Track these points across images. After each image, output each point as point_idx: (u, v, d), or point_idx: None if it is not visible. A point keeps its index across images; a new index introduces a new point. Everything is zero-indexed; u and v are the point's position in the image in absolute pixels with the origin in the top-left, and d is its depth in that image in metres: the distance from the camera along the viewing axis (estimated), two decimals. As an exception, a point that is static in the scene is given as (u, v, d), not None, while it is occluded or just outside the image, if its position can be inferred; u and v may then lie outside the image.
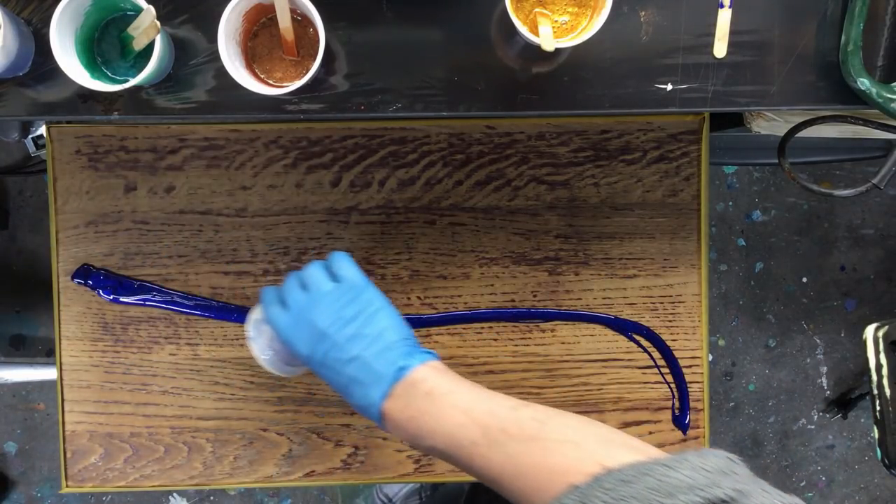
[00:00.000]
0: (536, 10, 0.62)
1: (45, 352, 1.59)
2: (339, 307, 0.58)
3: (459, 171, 0.82)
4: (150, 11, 0.58)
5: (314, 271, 0.61)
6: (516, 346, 0.83)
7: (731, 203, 1.63)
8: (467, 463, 0.53)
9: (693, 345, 0.83)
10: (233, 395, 0.83)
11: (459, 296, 0.82)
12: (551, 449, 0.49)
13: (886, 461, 0.80)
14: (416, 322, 0.82)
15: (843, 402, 1.61)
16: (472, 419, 0.53)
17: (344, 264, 0.61)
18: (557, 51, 0.60)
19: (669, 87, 0.65)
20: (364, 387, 0.56)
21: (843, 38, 0.63)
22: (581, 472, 0.46)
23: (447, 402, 0.54)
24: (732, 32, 0.64)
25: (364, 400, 0.57)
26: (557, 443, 0.50)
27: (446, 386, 0.55)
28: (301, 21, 0.64)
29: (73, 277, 0.81)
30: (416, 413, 0.54)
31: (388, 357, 0.57)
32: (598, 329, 0.83)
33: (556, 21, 0.63)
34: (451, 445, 0.53)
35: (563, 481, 0.47)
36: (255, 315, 0.69)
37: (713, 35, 0.64)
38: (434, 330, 0.82)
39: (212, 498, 1.59)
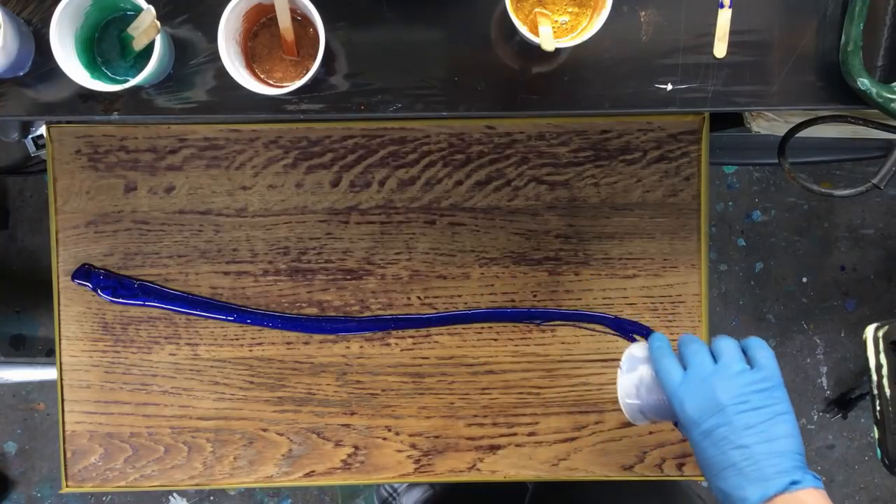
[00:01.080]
0: (536, 10, 0.62)
1: (45, 352, 1.59)
2: (748, 391, 0.57)
3: (459, 171, 0.82)
4: (150, 11, 0.58)
5: (732, 346, 0.60)
6: (516, 346, 0.83)
7: (731, 203, 1.63)
8: None
9: (693, 345, 0.83)
10: (233, 395, 0.83)
11: (459, 296, 0.82)
12: None
13: (886, 461, 0.79)
14: (416, 322, 0.82)
15: (843, 402, 1.61)
16: None
17: (765, 353, 0.59)
18: (557, 51, 0.60)
19: (669, 87, 0.65)
20: (744, 479, 0.55)
21: (843, 38, 0.63)
22: None
23: None
24: (732, 32, 0.64)
25: (738, 491, 0.55)
26: None
27: None
28: (301, 21, 0.64)
29: (73, 277, 0.81)
30: None
31: (781, 465, 0.55)
32: (598, 329, 0.83)
33: (556, 21, 0.63)
34: None
35: None
36: (636, 352, 0.67)
37: (713, 35, 0.64)
38: (434, 330, 0.82)
39: (212, 498, 1.59)
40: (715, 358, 0.60)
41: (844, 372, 1.64)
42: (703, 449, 0.57)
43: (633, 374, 0.66)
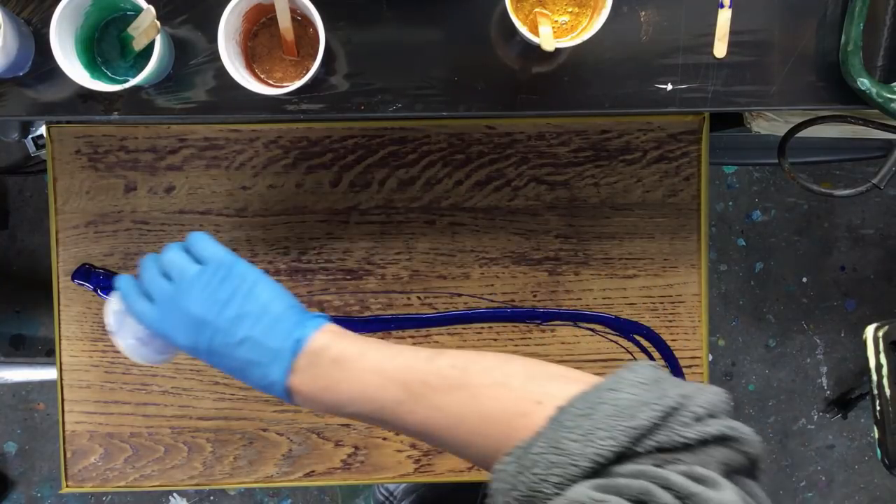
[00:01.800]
0: (536, 10, 0.62)
1: (45, 352, 1.59)
2: (211, 290, 0.54)
3: (459, 171, 0.82)
4: (150, 11, 0.58)
5: (174, 256, 0.56)
6: (516, 346, 0.83)
7: (731, 203, 1.63)
8: (399, 424, 0.50)
9: (693, 345, 0.83)
10: (233, 395, 0.83)
11: (459, 296, 0.82)
12: (481, 395, 0.47)
13: (886, 461, 0.79)
14: (416, 322, 0.82)
15: (843, 402, 1.61)
16: (389, 378, 0.50)
17: (205, 244, 0.56)
18: (557, 51, 0.60)
19: (669, 87, 0.65)
20: (262, 367, 0.52)
21: (843, 38, 0.63)
22: (519, 413, 0.45)
23: (358, 366, 0.51)
24: (732, 32, 0.64)
25: (265, 380, 0.52)
26: (485, 387, 0.48)
27: (353, 349, 0.52)
28: (301, 21, 0.64)
29: (73, 277, 0.81)
30: (329, 383, 0.51)
31: (280, 330, 0.52)
32: (598, 329, 0.83)
33: (556, 21, 0.63)
34: (376, 409, 0.51)
35: (503, 428, 0.45)
36: (113, 306, 0.61)
37: (713, 35, 0.64)
38: (434, 330, 0.82)
39: (212, 498, 1.59)
40: (168, 276, 0.56)
41: (844, 372, 1.64)
42: (219, 364, 0.54)
43: (125, 328, 0.61)
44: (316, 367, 0.52)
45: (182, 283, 0.55)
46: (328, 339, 0.52)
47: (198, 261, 0.56)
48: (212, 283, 0.54)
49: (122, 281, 0.58)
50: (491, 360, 0.51)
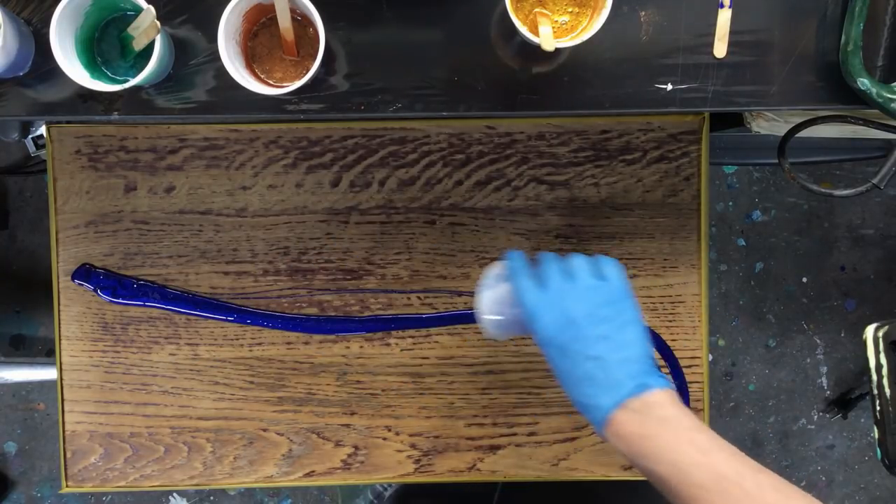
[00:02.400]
0: (536, 10, 0.62)
1: (45, 352, 1.59)
2: (597, 304, 0.58)
3: (459, 171, 0.82)
4: (150, 11, 0.58)
5: (582, 263, 0.61)
6: (516, 346, 0.83)
7: (731, 203, 1.63)
8: (686, 501, 0.53)
9: (693, 345, 0.83)
10: (233, 395, 0.83)
11: (459, 295, 0.82)
12: None
13: (886, 461, 0.79)
14: (416, 322, 0.82)
15: (843, 402, 1.61)
16: (708, 462, 0.52)
17: (613, 267, 0.61)
18: (557, 51, 0.60)
19: (669, 87, 0.65)
20: (598, 388, 0.56)
21: (843, 38, 0.63)
22: None
23: (685, 436, 0.54)
24: (732, 32, 0.64)
25: (593, 400, 0.56)
26: None
27: (686, 420, 0.55)
28: (301, 21, 0.64)
29: (73, 277, 0.81)
30: (649, 433, 0.54)
31: (630, 369, 0.56)
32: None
33: (556, 21, 0.63)
34: (675, 478, 0.53)
35: None
36: (495, 270, 0.67)
37: (713, 35, 0.64)
38: (434, 330, 0.82)
39: (212, 498, 1.59)
40: (569, 275, 0.60)
41: (844, 372, 1.64)
42: (559, 363, 0.58)
43: (492, 290, 0.66)
44: (644, 416, 0.55)
45: (578, 284, 0.59)
46: (666, 399, 0.56)
47: (599, 277, 0.60)
48: (600, 298, 0.59)
49: (516, 257, 0.63)
50: None
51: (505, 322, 0.66)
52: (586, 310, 0.58)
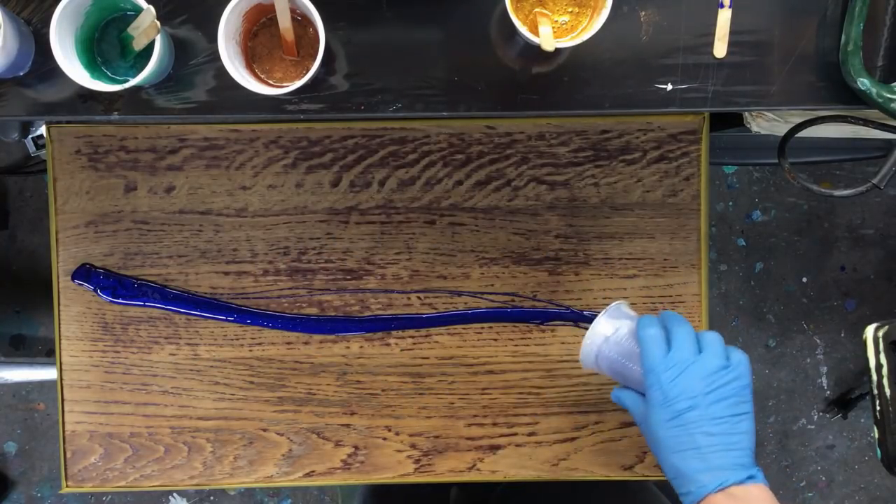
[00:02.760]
0: (536, 10, 0.62)
1: (45, 352, 1.59)
2: (723, 385, 0.60)
3: (459, 171, 0.82)
4: (150, 11, 0.58)
5: (717, 341, 0.63)
6: (516, 346, 0.83)
7: (731, 203, 1.63)
8: None
9: (693, 345, 0.83)
10: (233, 395, 0.83)
11: (459, 295, 0.82)
12: None
13: (886, 461, 0.79)
14: (416, 322, 0.82)
15: (843, 402, 1.61)
16: None
17: (741, 354, 0.63)
18: (557, 51, 0.60)
19: (669, 87, 0.65)
20: (705, 464, 0.59)
21: (843, 38, 0.63)
22: None
23: None
24: (732, 32, 0.64)
25: (696, 474, 0.59)
26: None
27: None
28: (301, 21, 0.64)
29: (73, 277, 0.81)
30: None
31: (739, 458, 0.59)
32: (598, 329, 0.82)
33: (556, 21, 0.63)
34: None
35: None
36: (623, 307, 0.70)
37: (713, 35, 0.64)
38: (434, 330, 0.82)
39: (212, 498, 1.59)
40: (701, 349, 0.63)
41: (844, 372, 1.64)
42: (668, 427, 0.60)
43: (613, 321, 0.68)
44: (742, 502, 0.57)
45: (708, 361, 0.61)
46: (766, 496, 0.58)
47: (726, 358, 0.62)
48: (727, 381, 0.61)
49: (651, 318, 0.65)
50: None
51: (605, 355, 0.68)
52: (710, 386, 0.60)
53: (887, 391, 0.79)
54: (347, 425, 0.83)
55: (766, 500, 0.58)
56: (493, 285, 0.82)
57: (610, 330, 0.68)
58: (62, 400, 0.83)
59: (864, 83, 0.62)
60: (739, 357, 0.62)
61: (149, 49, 0.60)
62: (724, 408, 0.60)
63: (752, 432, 0.61)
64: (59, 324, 0.83)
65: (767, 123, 0.88)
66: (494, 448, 0.83)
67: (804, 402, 1.64)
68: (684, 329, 0.63)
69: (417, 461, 0.83)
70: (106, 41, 0.64)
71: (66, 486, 0.84)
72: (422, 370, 0.83)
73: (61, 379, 0.83)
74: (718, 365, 0.61)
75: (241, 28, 0.62)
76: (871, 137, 0.94)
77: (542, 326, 0.82)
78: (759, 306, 1.63)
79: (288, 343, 0.83)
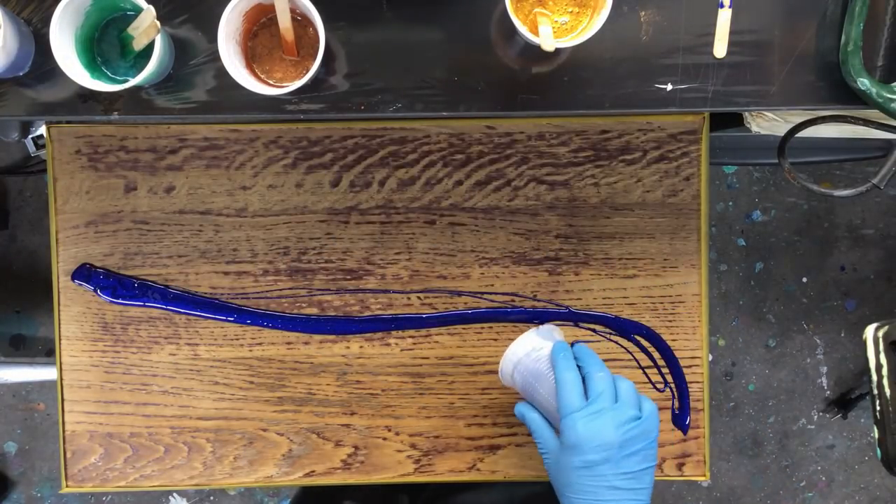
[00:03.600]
0: (536, 10, 0.62)
1: (45, 352, 1.59)
2: (634, 437, 0.62)
3: (459, 171, 0.82)
4: (150, 11, 0.58)
5: (631, 390, 0.64)
6: (516, 346, 0.83)
7: (731, 203, 1.63)
8: None
9: (693, 345, 0.83)
10: (233, 395, 0.83)
11: (459, 295, 0.82)
12: None
13: (886, 461, 0.79)
14: (416, 322, 0.82)
15: (843, 402, 1.61)
16: None
17: (650, 405, 0.64)
18: (557, 51, 0.60)
19: (669, 87, 0.65)
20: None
21: (843, 38, 0.63)
22: None
23: None
24: (732, 32, 0.64)
25: None
26: None
27: None
28: (301, 21, 0.64)
29: (73, 277, 0.81)
30: None
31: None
32: (598, 329, 0.82)
33: (556, 21, 0.63)
34: None
35: None
36: (555, 332, 0.72)
37: (713, 35, 0.64)
38: (434, 330, 0.82)
39: (212, 498, 1.59)
40: (617, 398, 0.64)
41: (844, 372, 1.64)
42: (578, 475, 0.62)
43: (540, 340, 0.70)
44: None
45: (623, 412, 0.62)
46: None
47: (639, 409, 0.64)
48: (636, 432, 0.62)
49: (564, 349, 0.67)
50: None
51: (521, 374, 0.70)
52: (623, 438, 0.62)
53: (887, 391, 0.79)
54: (347, 425, 0.83)
55: None
56: (493, 285, 0.82)
57: (535, 345, 0.70)
58: (62, 400, 0.83)
59: (864, 83, 0.62)
60: (650, 407, 0.64)
61: (149, 49, 0.60)
62: (634, 462, 0.62)
63: (652, 484, 0.63)
64: (59, 324, 0.83)
65: (767, 123, 0.88)
66: (494, 448, 0.83)
67: (804, 402, 1.64)
68: (602, 374, 0.64)
69: (417, 461, 0.83)
70: (106, 41, 0.64)
71: (66, 486, 0.84)
72: (422, 370, 0.83)
73: (61, 379, 0.83)
74: (632, 416, 0.63)
75: (241, 28, 0.62)
76: (871, 137, 0.94)
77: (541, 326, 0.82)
78: (759, 306, 1.63)
79: (288, 343, 0.83)
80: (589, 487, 0.61)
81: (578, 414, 0.62)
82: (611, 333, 0.83)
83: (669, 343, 0.83)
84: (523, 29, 0.58)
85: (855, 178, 1.60)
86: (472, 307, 0.82)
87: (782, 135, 0.73)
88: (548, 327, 0.73)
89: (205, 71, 0.65)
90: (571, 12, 0.63)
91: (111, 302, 0.82)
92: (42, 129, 0.88)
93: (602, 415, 0.62)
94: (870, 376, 0.80)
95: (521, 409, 0.69)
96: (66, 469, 0.83)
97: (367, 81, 0.65)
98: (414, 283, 0.82)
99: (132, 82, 0.59)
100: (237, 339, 0.83)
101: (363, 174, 0.82)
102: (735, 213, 1.63)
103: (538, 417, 0.68)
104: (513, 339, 0.82)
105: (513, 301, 0.82)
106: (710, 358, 1.61)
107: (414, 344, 0.83)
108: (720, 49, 0.64)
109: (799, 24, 0.64)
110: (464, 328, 0.83)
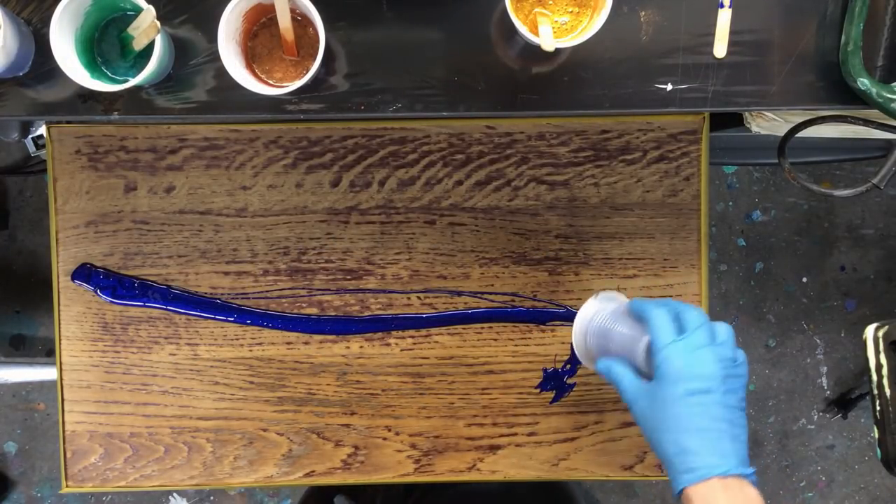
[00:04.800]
0: (536, 10, 0.62)
1: (45, 352, 1.59)
2: (733, 373, 0.61)
3: (459, 171, 0.82)
4: (150, 11, 0.58)
5: (731, 333, 0.63)
6: (516, 346, 0.83)
7: (731, 203, 1.63)
8: None
9: (693, 345, 0.83)
10: (233, 395, 0.83)
11: (459, 295, 0.82)
12: None
13: (886, 461, 0.79)
14: (416, 322, 0.82)
15: (843, 402, 1.61)
16: None
17: (745, 357, 0.63)
18: (557, 51, 0.60)
19: (669, 87, 0.65)
20: (714, 447, 0.58)
21: (843, 38, 0.63)
22: None
23: None
24: (732, 32, 0.64)
25: (705, 454, 0.58)
26: None
27: None
28: (301, 21, 0.64)
29: (73, 277, 0.81)
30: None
31: (743, 451, 0.59)
32: (598, 329, 0.83)
33: (556, 21, 0.63)
34: None
35: None
36: (615, 294, 0.72)
37: (713, 35, 0.64)
38: (434, 330, 0.82)
39: (212, 498, 1.59)
40: (716, 338, 0.62)
41: (844, 372, 1.64)
42: (682, 404, 0.59)
43: (601, 303, 0.70)
44: (736, 492, 0.57)
45: (724, 350, 0.61)
46: (760, 500, 0.58)
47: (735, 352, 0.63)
48: (738, 374, 0.61)
49: (654, 302, 0.64)
50: None
51: (604, 334, 0.68)
52: (724, 374, 0.60)
53: (887, 391, 0.79)
54: (347, 425, 0.83)
55: (756, 497, 0.58)
56: (493, 285, 0.82)
57: (598, 308, 0.69)
58: (62, 400, 0.83)
59: (864, 83, 0.62)
60: (744, 357, 0.63)
61: (149, 49, 0.60)
62: (735, 399, 0.60)
63: (746, 428, 0.61)
64: (59, 324, 0.83)
65: (767, 123, 0.88)
66: (494, 448, 0.83)
67: (804, 402, 1.64)
68: (701, 317, 0.62)
69: (417, 461, 0.83)
70: (106, 41, 0.64)
71: (66, 486, 0.84)
72: (422, 370, 0.83)
73: (61, 379, 0.83)
74: (731, 356, 0.61)
75: (241, 28, 0.62)
76: (871, 137, 0.94)
77: (542, 326, 0.82)
78: (759, 306, 1.63)
79: (288, 343, 0.83)
80: (695, 416, 0.59)
81: (678, 345, 0.60)
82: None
83: (669, 343, 0.82)
84: (523, 29, 0.58)
85: (855, 178, 1.60)
86: (472, 307, 0.82)
87: (782, 135, 0.73)
88: (608, 294, 0.71)
89: (205, 71, 0.65)
90: (571, 12, 0.63)
91: (111, 302, 0.82)
92: (42, 129, 0.88)
93: (702, 348, 0.60)
94: (870, 376, 0.80)
95: (604, 363, 0.66)
96: (66, 469, 0.83)
97: (367, 81, 0.65)
98: (414, 283, 0.82)
99: (132, 82, 0.59)
100: (237, 339, 0.82)
101: (363, 174, 0.82)
102: (735, 213, 1.63)
103: (624, 365, 0.64)
104: (513, 340, 0.82)
105: (513, 301, 0.82)
106: (710, 358, 1.60)
107: (414, 344, 0.83)
108: (720, 49, 0.64)
109: (799, 24, 0.64)
110: (464, 328, 0.83)
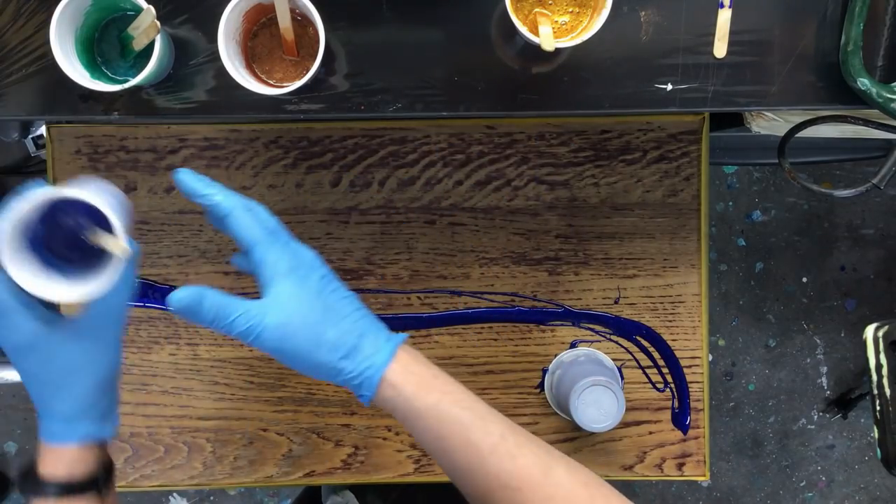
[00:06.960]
0: (536, 10, 0.62)
1: (45, 352, 1.58)
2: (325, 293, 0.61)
3: (459, 171, 0.82)
4: (150, 11, 0.58)
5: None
6: (516, 346, 0.83)
7: (731, 203, 1.63)
8: (464, 446, 0.54)
9: (693, 345, 0.83)
10: (233, 395, 0.83)
11: (459, 295, 0.82)
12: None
13: (886, 461, 0.80)
14: (416, 322, 0.82)
15: (843, 402, 1.61)
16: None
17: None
18: (557, 51, 0.60)
19: (669, 87, 0.65)
20: (370, 327, 0.56)
21: (843, 38, 0.63)
22: None
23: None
24: (732, 32, 0.64)
25: (374, 337, 0.56)
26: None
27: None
28: (301, 21, 0.64)
29: (73, 277, 0.81)
30: (429, 376, 0.55)
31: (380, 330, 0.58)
32: (598, 329, 0.83)
33: (556, 21, 0.63)
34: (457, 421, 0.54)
35: None
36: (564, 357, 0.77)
37: (713, 35, 0.64)
38: (434, 330, 0.82)
39: (212, 498, 1.59)
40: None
41: (844, 372, 1.65)
42: (328, 292, 0.60)
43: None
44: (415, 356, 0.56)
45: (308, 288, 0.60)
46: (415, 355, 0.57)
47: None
48: (327, 288, 0.60)
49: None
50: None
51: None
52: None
53: (887, 391, 0.79)
54: (347, 425, 0.83)
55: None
56: (493, 285, 0.82)
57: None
58: (62, 400, 0.83)
59: (864, 83, 0.62)
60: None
61: (149, 49, 0.60)
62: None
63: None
64: (59, 324, 0.82)
65: (767, 123, 0.88)
66: (494, 448, 0.83)
67: (804, 402, 1.64)
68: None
69: (417, 461, 0.83)
70: (106, 41, 0.64)
71: (66, 486, 0.84)
72: (422, 370, 0.83)
73: (61, 379, 0.83)
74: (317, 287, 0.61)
75: (241, 28, 0.62)
76: (871, 137, 0.94)
77: (542, 326, 0.82)
78: (759, 306, 1.64)
79: (288, 343, 0.82)
80: (342, 301, 0.59)
81: (279, 236, 0.60)
82: (611, 333, 0.83)
83: (669, 343, 0.83)
84: (523, 29, 0.58)
85: (855, 178, 1.60)
86: (472, 307, 0.82)
87: (782, 135, 0.73)
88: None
89: (205, 71, 0.65)
90: (571, 12, 0.63)
91: (111, 302, 0.82)
92: (42, 129, 0.88)
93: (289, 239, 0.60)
94: (870, 376, 0.80)
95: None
96: (66, 469, 0.83)
97: (367, 81, 0.65)
98: (414, 283, 0.82)
99: (132, 82, 0.59)
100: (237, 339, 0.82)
101: (363, 174, 0.82)
102: (735, 213, 1.63)
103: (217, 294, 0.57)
104: (513, 340, 0.82)
105: (513, 301, 0.82)
106: (710, 358, 1.61)
107: (414, 344, 0.83)
108: (720, 49, 0.64)
109: (799, 24, 0.64)
110: (464, 328, 0.83)
